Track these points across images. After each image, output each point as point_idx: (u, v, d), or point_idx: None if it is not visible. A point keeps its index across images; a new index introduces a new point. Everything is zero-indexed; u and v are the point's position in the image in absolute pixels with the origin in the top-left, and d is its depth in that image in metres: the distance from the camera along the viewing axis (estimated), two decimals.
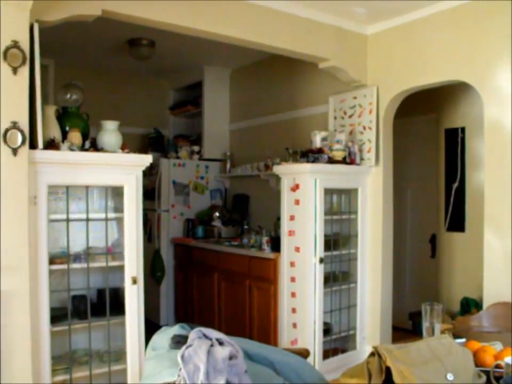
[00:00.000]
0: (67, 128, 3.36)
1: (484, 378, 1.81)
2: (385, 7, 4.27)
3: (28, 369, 2.96)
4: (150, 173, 5.97)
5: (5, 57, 2.84)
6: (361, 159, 4.73)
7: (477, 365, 1.86)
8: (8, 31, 2.85)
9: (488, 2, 3.82)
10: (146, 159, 3.49)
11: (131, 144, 3.80)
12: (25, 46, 2.91)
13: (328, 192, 4.54)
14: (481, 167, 4.49)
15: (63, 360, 3.32)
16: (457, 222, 5.28)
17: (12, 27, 2.86)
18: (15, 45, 2.86)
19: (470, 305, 4.47)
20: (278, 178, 4.74)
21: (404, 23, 4.47)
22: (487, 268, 3.88)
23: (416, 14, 4.34)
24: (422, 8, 4.25)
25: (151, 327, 3.20)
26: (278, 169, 4.61)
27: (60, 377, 3.24)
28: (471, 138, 5.13)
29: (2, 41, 2.84)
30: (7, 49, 2.84)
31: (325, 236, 4.44)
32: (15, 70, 2.88)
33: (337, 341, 4.74)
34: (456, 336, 2.20)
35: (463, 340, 2.16)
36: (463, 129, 5.23)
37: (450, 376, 1.68)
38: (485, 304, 3.71)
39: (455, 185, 5.28)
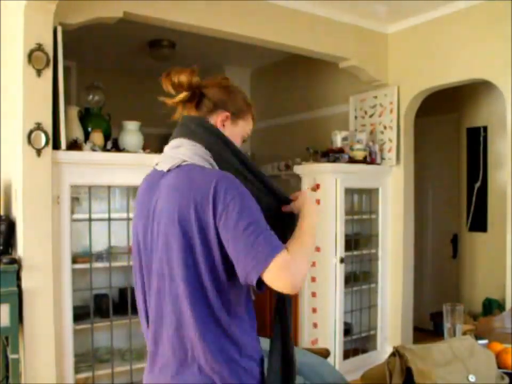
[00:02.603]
0: (89, 129, 3.41)
1: (507, 380, 1.79)
2: (405, 5, 4.24)
3: (51, 366, 3.01)
4: None
5: (29, 60, 2.89)
6: (382, 158, 4.70)
7: (499, 367, 1.84)
8: (32, 34, 2.91)
9: (510, 2, 3.78)
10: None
11: (152, 145, 3.83)
12: (49, 48, 2.96)
13: (349, 192, 4.53)
14: (504, 166, 4.44)
15: (86, 357, 3.36)
16: (479, 222, 5.22)
17: (36, 30, 2.92)
18: (39, 47, 2.91)
19: (492, 306, 4.42)
20: (298, 178, 4.74)
21: (425, 21, 4.44)
22: (510, 268, 3.84)
23: (437, 12, 4.31)
24: (443, 6, 4.22)
25: None
26: (299, 169, 4.61)
27: (82, 375, 3.29)
28: (494, 137, 5.06)
29: (26, 44, 2.89)
30: (32, 52, 2.89)
31: (346, 235, 4.43)
32: (39, 72, 2.92)
33: (357, 341, 4.73)
34: (478, 337, 2.18)
35: (485, 341, 2.14)
36: (485, 128, 5.16)
37: (472, 378, 1.67)
38: (508, 305, 3.67)
39: (477, 184, 5.22)
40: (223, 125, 1.56)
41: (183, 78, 1.52)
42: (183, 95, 1.55)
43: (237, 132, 1.59)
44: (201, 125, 1.52)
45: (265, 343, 1.68)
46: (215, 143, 1.49)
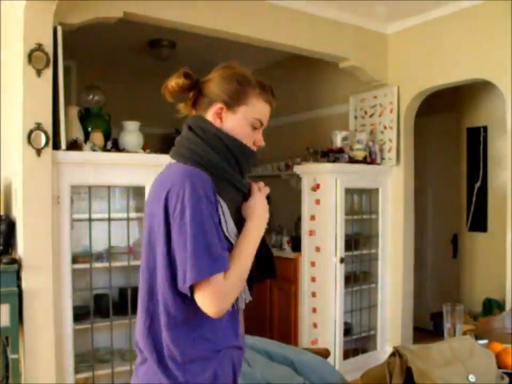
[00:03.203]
0: (89, 129, 3.41)
1: (507, 380, 1.79)
2: (405, 5, 4.24)
3: (51, 366, 3.01)
4: None
5: (30, 60, 2.89)
6: (382, 158, 4.70)
7: (499, 367, 1.84)
8: (32, 34, 2.91)
9: (510, 1, 3.78)
10: (168, 159, 3.51)
11: (152, 144, 3.82)
12: (49, 48, 2.96)
13: (349, 192, 4.53)
14: (504, 166, 4.43)
15: (86, 358, 3.36)
16: (479, 222, 5.22)
17: (36, 30, 2.92)
18: (39, 47, 2.92)
19: (493, 306, 4.41)
20: (298, 178, 4.74)
21: (425, 21, 4.44)
22: (510, 268, 3.83)
23: (437, 12, 4.30)
24: (443, 6, 4.22)
25: None
26: (299, 169, 4.61)
27: (82, 375, 3.29)
28: (494, 137, 5.06)
29: (27, 44, 2.89)
30: (32, 52, 2.90)
31: (346, 235, 4.43)
32: (39, 72, 2.93)
33: (357, 341, 4.73)
34: (478, 337, 2.18)
35: (485, 341, 2.14)
36: (485, 128, 5.16)
37: (472, 378, 1.67)
38: (508, 305, 3.67)
39: (477, 184, 5.22)
40: (220, 118, 1.46)
41: (173, 83, 1.47)
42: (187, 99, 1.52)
43: (239, 120, 1.46)
44: (187, 126, 1.50)
45: (264, 343, 1.69)
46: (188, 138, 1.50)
